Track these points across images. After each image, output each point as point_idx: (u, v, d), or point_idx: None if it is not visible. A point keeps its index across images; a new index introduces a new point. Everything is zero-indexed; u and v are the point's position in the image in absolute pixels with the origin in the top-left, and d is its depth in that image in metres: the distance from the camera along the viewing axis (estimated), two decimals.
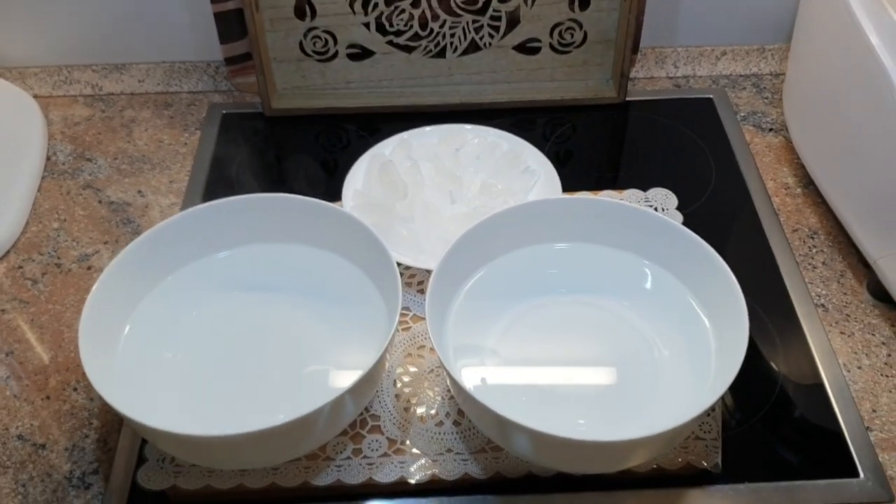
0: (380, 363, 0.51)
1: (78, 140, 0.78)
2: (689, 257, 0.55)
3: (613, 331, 0.56)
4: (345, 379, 0.54)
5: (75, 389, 0.59)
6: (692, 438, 0.54)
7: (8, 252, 0.68)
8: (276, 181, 0.74)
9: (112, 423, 0.56)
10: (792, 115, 0.74)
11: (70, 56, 0.82)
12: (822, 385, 0.58)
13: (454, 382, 0.50)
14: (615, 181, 0.73)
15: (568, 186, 0.68)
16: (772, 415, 0.56)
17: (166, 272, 0.58)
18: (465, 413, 0.54)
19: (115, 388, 0.49)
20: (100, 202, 0.72)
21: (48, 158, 0.76)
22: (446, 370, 0.50)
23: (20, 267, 0.67)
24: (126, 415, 0.47)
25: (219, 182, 0.73)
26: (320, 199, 0.68)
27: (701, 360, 0.53)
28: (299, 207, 0.59)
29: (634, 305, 0.57)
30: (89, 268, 0.66)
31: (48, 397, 0.58)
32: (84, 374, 0.49)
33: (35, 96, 0.81)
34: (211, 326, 0.57)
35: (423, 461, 0.53)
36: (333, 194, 0.68)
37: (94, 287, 0.52)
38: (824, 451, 0.55)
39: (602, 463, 0.50)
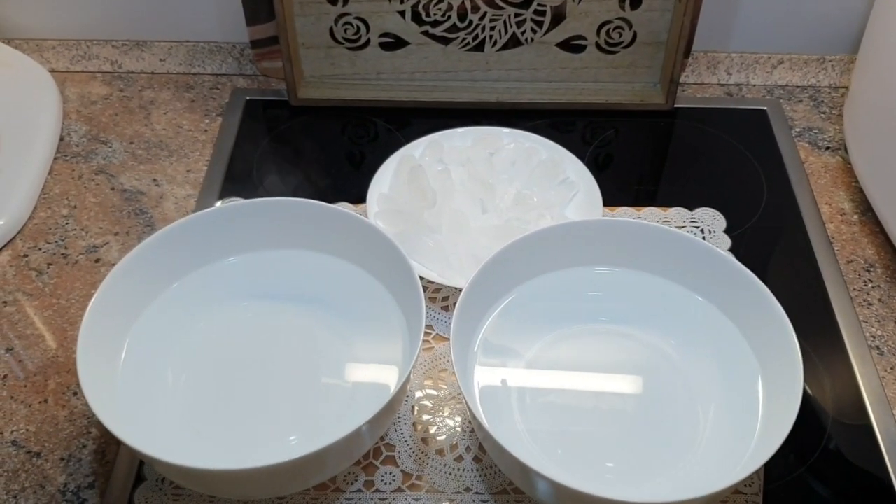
0: (401, 391, 0.47)
1: (94, 120, 0.74)
2: (747, 302, 0.50)
3: (655, 369, 0.52)
4: (361, 402, 0.50)
5: (75, 394, 0.55)
6: (732, 493, 0.49)
7: (14, 238, 0.64)
8: (299, 176, 0.70)
9: (111, 434, 0.53)
10: (852, 134, 0.69)
11: (90, 30, 0.78)
12: (874, 437, 0.54)
13: (475, 419, 0.46)
14: (659, 196, 0.68)
15: (607, 199, 0.63)
16: (818, 467, 0.52)
17: (172, 279, 0.54)
18: (486, 449, 0.50)
19: (114, 406, 0.46)
20: (112, 189, 0.68)
21: (61, 139, 0.72)
22: (468, 405, 0.46)
23: (25, 255, 0.63)
24: (128, 442, 0.43)
25: (238, 174, 0.69)
26: (344, 199, 0.65)
27: (746, 417, 0.48)
28: (318, 213, 0.55)
29: (680, 344, 0.52)
30: (97, 261, 0.63)
31: (46, 401, 0.55)
32: None
33: (51, 71, 0.77)
34: (218, 339, 0.54)
35: (439, 500, 0.49)
36: (358, 193, 0.65)
37: (93, 298, 0.49)
38: None
39: None
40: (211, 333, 0.54)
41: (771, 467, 0.51)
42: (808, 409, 0.55)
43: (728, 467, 0.46)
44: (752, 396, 0.49)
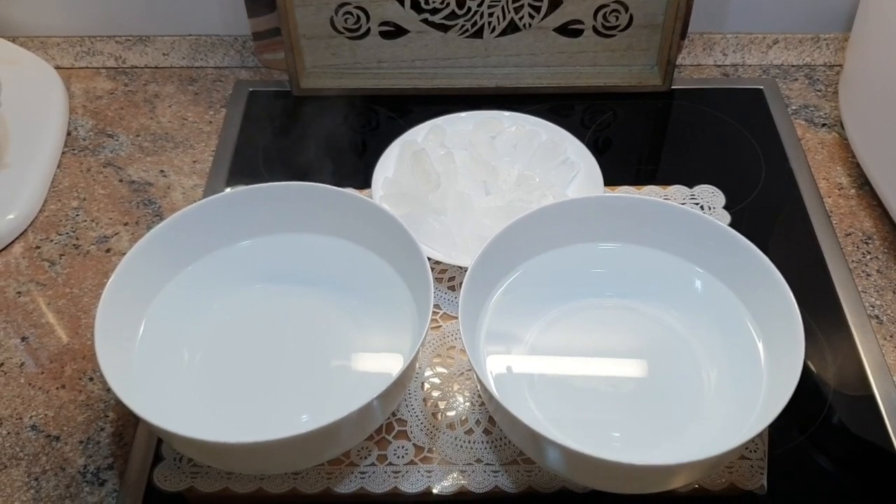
0: (410, 367, 0.48)
1: (100, 115, 0.75)
2: (745, 269, 0.51)
3: (658, 340, 0.53)
4: (372, 380, 0.51)
5: (91, 379, 0.56)
6: (737, 458, 0.51)
7: (25, 230, 0.66)
8: (304, 164, 0.71)
9: (128, 416, 0.54)
10: (848, 110, 0.70)
11: (93, 26, 0.79)
12: (874, 403, 0.55)
13: (486, 391, 0.47)
14: (659, 175, 0.69)
15: (608, 179, 0.64)
16: (820, 434, 0.53)
17: (186, 262, 0.55)
18: (496, 422, 0.51)
19: (132, 386, 0.47)
20: (121, 181, 0.69)
21: (69, 133, 0.73)
22: (479, 378, 0.47)
23: (38, 247, 0.64)
24: (146, 419, 0.44)
25: (243, 164, 0.70)
26: (349, 185, 0.66)
27: (750, 381, 0.49)
28: (327, 197, 0.56)
29: (683, 315, 0.54)
30: (108, 250, 0.64)
31: (63, 386, 0.56)
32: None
33: (57, 67, 0.78)
34: (231, 320, 0.55)
35: (450, 471, 0.50)
36: (363, 180, 0.66)
37: (109, 281, 0.50)
38: (875, 474, 0.52)
39: (640, 485, 0.47)
40: (225, 315, 0.55)
41: (774, 435, 0.52)
42: (811, 378, 0.56)
43: (732, 432, 0.48)
44: (755, 363, 0.50)
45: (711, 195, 0.66)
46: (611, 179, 0.65)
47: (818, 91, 0.76)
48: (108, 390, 0.56)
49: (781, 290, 0.49)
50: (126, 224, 0.66)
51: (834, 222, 0.65)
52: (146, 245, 0.52)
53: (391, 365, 0.53)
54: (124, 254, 0.52)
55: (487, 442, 0.52)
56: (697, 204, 0.65)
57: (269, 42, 0.77)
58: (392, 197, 0.62)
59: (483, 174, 0.64)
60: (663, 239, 0.55)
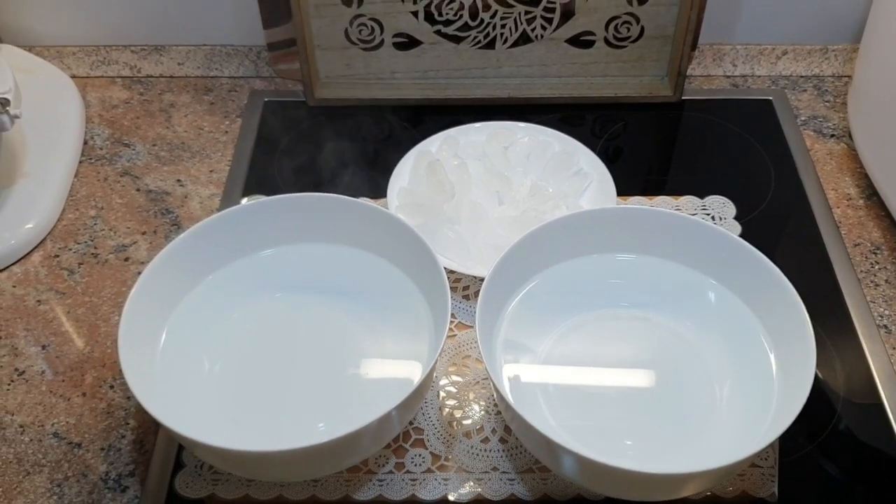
0: (429, 376, 0.49)
1: (116, 124, 0.76)
2: (758, 282, 0.52)
3: (672, 351, 0.54)
4: (389, 389, 0.52)
5: (111, 387, 0.57)
6: (748, 466, 0.51)
7: (44, 239, 0.66)
8: (319, 174, 0.72)
9: (148, 424, 0.55)
10: (857, 121, 0.71)
11: (108, 36, 0.80)
12: (884, 412, 0.56)
13: (502, 400, 0.48)
14: (669, 185, 0.70)
15: (619, 189, 0.65)
16: (830, 442, 0.54)
17: (207, 272, 0.56)
18: (511, 430, 0.52)
19: (154, 395, 0.48)
20: (138, 190, 0.70)
21: (85, 142, 0.74)
22: (495, 387, 0.48)
23: (56, 256, 0.65)
24: (171, 427, 0.45)
25: (260, 173, 0.71)
26: (364, 195, 0.67)
27: (761, 392, 0.50)
28: (345, 208, 0.57)
29: (696, 326, 0.54)
30: (126, 259, 0.65)
31: (84, 394, 0.57)
32: (120, 371, 0.48)
33: (72, 76, 0.79)
34: (251, 329, 0.56)
35: (467, 479, 0.51)
36: (376, 190, 0.67)
37: (132, 290, 0.50)
38: (884, 482, 0.53)
39: (652, 492, 0.48)
40: (245, 324, 0.56)
41: (785, 444, 0.53)
42: (820, 387, 0.57)
43: (744, 442, 0.48)
44: (766, 374, 0.51)
45: (722, 206, 0.66)
46: (622, 190, 0.66)
47: (827, 102, 0.77)
48: (129, 398, 0.57)
49: (794, 305, 0.49)
50: (144, 233, 0.67)
51: (843, 233, 0.66)
52: (168, 255, 0.53)
53: (408, 374, 0.53)
54: (143, 263, 0.53)
55: (503, 450, 0.52)
56: (709, 214, 0.66)
57: (284, 52, 0.78)
58: (407, 207, 0.63)
59: (496, 184, 0.65)
60: (679, 250, 0.56)
